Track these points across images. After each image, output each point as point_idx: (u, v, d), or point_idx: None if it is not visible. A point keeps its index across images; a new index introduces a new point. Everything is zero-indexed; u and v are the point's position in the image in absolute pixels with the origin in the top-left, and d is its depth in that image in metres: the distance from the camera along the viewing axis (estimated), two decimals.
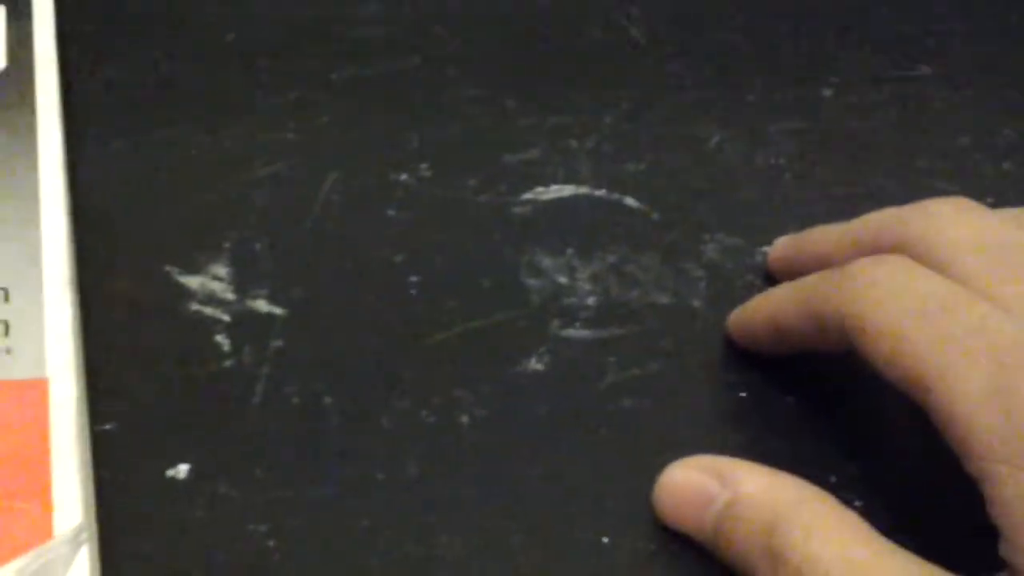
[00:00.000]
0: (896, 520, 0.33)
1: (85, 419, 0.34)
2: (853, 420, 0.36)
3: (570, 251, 0.40)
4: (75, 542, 0.31)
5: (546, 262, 0.39)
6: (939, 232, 0.32)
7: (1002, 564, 0.28)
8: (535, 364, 0.37)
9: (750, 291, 0.38)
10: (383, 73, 0.45)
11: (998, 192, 0.41)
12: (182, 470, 0.34)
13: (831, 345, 0.33)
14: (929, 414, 0.29)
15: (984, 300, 0.30)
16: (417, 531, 0.33)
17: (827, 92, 0.45)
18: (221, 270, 0.38)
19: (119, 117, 0.43)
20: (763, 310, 0.36)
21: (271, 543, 0.33)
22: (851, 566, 0.29)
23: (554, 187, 0.42)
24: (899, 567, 0.29)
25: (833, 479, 0.34)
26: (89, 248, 0.39)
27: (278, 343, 0.37)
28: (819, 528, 0.30)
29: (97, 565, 0.31)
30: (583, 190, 0.41)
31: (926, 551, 0.30)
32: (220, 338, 0.37)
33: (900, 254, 0.32)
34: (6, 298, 0.35)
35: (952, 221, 0.33)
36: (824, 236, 0.37)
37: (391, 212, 0.41)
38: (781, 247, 0.39)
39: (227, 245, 0.39)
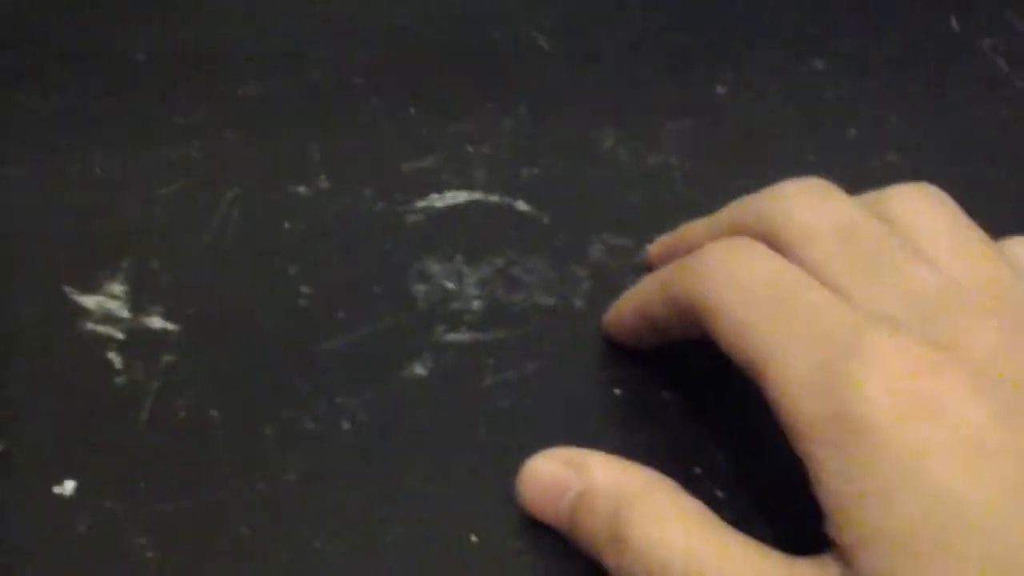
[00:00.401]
0: (756, 507, 0.33)
1: None
2: (720, 413, 0.37)
3: (459, 257, 0.41)
4: None
5: (435, 268, 0.40)
6: (787, 215, 0.33)
7: (828, 542, 0.29)
8: (418, 369, 0.38)
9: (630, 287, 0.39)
10: (288, 88, 0.46)
11: (883, 182, 0.41)
12: (68, 487, 0.35)
13: (691, 331, 0.34)
14: (764, 397, 0.30)
15: (819, 285, 0.31)
16: (294, 537, 0.34)
17: (721, 89, 0.46)
18: (118, 288, 0.39)
19: (19, 138, 0.43)
20: (632, 301, 0.37)
21: (150, 555, 0.34)
22: (689, 551, 0.30)
23: (449, 194, 0.42)
24: (738, 554, 0.30)
25: (698, 470, 0.35)
26: None
27: (170, 358, 0.38)
28: (662, 515, 0.31)
29: None
30: (476, 196, 0.42)
31: (784, 537, 0.30)
32: (112, 355, 0.38)
33: (751, 237, 0.33)
34: None
35: (801, 204, 0.33)
36: (694, 229, 0.38)
37: (287, 224, 0.41)
38: (659, 244, 0.39)
39: (125, 264, 0.40)
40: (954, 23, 0.48)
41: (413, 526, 0.34)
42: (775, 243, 0.33)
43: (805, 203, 0.33)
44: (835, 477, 0.28)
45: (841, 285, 0.31)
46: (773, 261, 0.32)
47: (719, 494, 0.34)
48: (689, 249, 0.36)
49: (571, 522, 0.33)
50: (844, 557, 0.28)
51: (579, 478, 0.33)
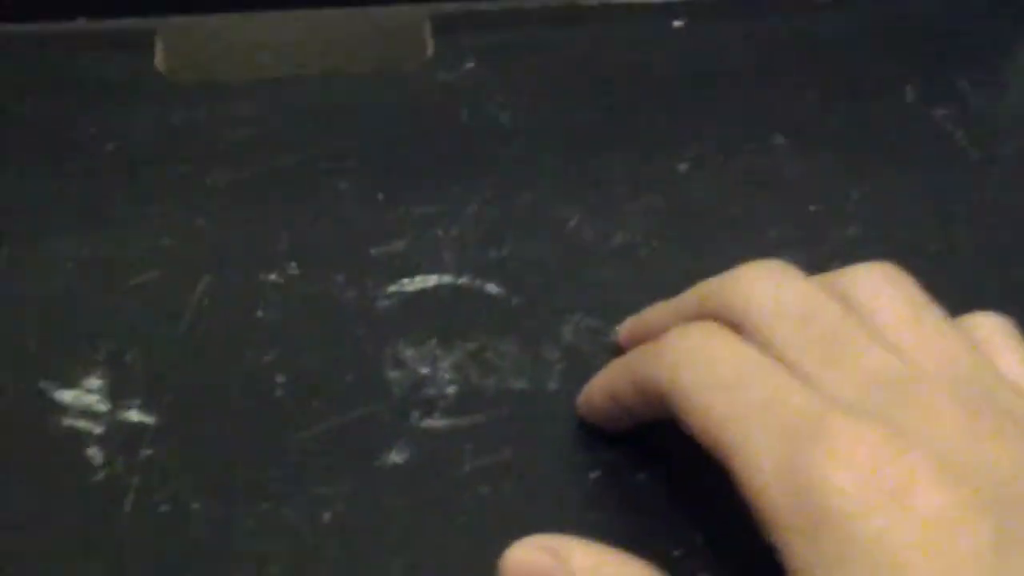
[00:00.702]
0: None
1: None
2: (699, 494, 0.37)
3: (433, 341, 0.41)
4: None
5: (409, 353, 0.41)
6: (746, 299, 0.34)
7: None
8: (395, 457, 0.38)
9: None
10: (257, 173, 0.47)
11: (845, 256, 0.42)
12: None
13: (660, 414, 0.34)
14: (734, 485, 0.31)
15: (780, 370, 0.32)
16: None
17: (683, 167, 0.47)
18: (95, 382, 0.40)
19: None
20: (601, 385, 0.38)
21: None
22: None
23: (419, 278, 0.43)
24: None
25: (677, 552, 0.36)
26: None
27: (148, 452, 0.38)
28: None
29: None
30: (446, 279, 0.43)
31: None
32: (92, 451, 0.38)
33: (714, 321, 0.34)
34: None
35: (760, 288, 0.34)
36: (658, 312, 0.39)
37: (260, 313, 0.42)
38: (628, 325, 0.40)
39: (100, 357, 0.40)
40: (908, 93, 0.49)
41: None
42: (737, 327, 0.34)
43: (764, 288, 0.34)
44: (804, 566, 0.29)
45: (802, 369, 0.32)
46: (735, 345, 0.33)
47: (702, 575, 0.35)
48: (654, 332, 0.37)
49: None
50: None
51: (560, 566, 0.33)
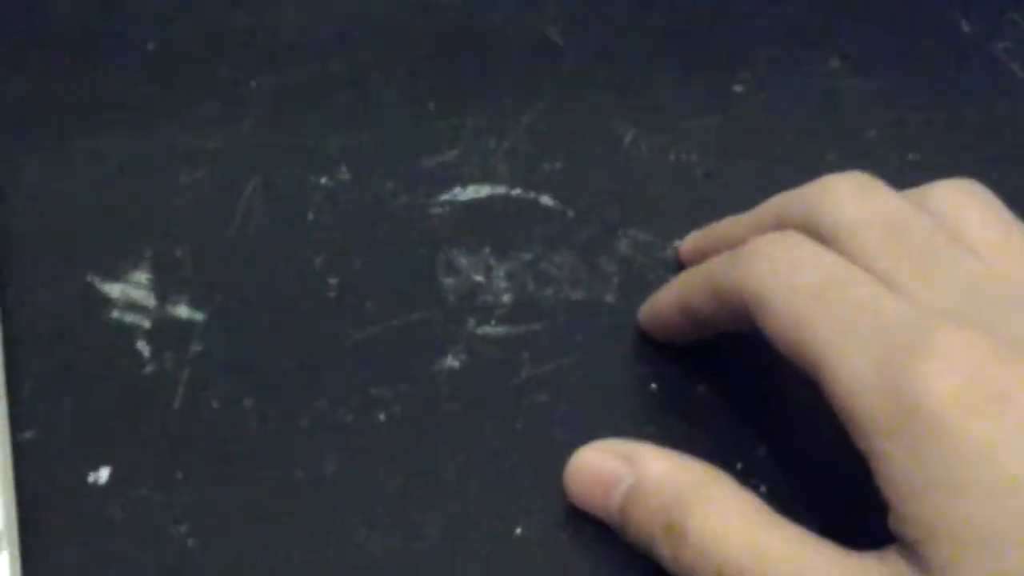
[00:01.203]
0: (799, 502, 0.33)
1: (6, 426, 0.34)
2: (760, 408, 0.37)
3: (487, 250, 0.40)
4: None
5: (463, 261, 0.40)
6: (835, 209, 0.33)
7: (891, 538, 0.29)
8: (451, 361, 0.38)
9: (661, 285, 0.39)
10: (303, 80, 0.46)
11: (904, 182, 0.41)
12: (103, 474, 0.35)
13: (736, 325, 0.34)
14: (821, 392, 0.30)
15: (875, 279, 0.31)
16: (336, 527, 0.34)
17: (738, 88, 0.46)
18: (142, 277, 0.39)
19: (41, 126, 0.43)
20: (672, 296, 0.37)
21: (191, 543, 0.33)
22: (745, 540, 0.30)
23: (471, 187, 0.42)
24: (794, 542, 0.30)
25: (740, 465, 0.35)
26: (10, 258, 0.39)
27: (198, 348, 0.38)
28: (719, 506, 0.31)
29: (18, 570, 0.32)
30: (500, 190, 0.42)
31: (828, 531, 0.30)
32: (141, 344, 0.37)
33: (797, 231, 0.33)
34: None
35: (848, 197, 0.33)
36: (732, 224, 0.38)
37: (311, 216, 0.41)
38: (691, 240, 0.40)
39: (148, 253, 0.40)
40: (964, 25, 0.48)
41: (456, 519, 0.34)
42: (822, 238, 0.33)
43: (852, 197, 0.33)
44: (901, 472, 0.28)
45: (893, 279, 0.31)
46: (825, 255, 0.32)
47: (762, 489, 0.35)
48: (728, 244, 0.36)
49: (622, 514, 0.33)
50: (908, 552, 0.28)
51: (631, 470, 0.33)
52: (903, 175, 0.41)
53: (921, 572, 0.28)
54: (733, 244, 0.35)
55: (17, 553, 0.32)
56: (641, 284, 0.39)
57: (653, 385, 0.37)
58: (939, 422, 0.27)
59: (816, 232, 0.33)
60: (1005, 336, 0.29)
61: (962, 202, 0.33)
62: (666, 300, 0.37)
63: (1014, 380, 0.28)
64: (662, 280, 0.40)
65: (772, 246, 0.33)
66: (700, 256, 0.38)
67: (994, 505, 0.27)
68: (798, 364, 0.31)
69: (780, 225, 0.34)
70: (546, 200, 0.42)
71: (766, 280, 0.32)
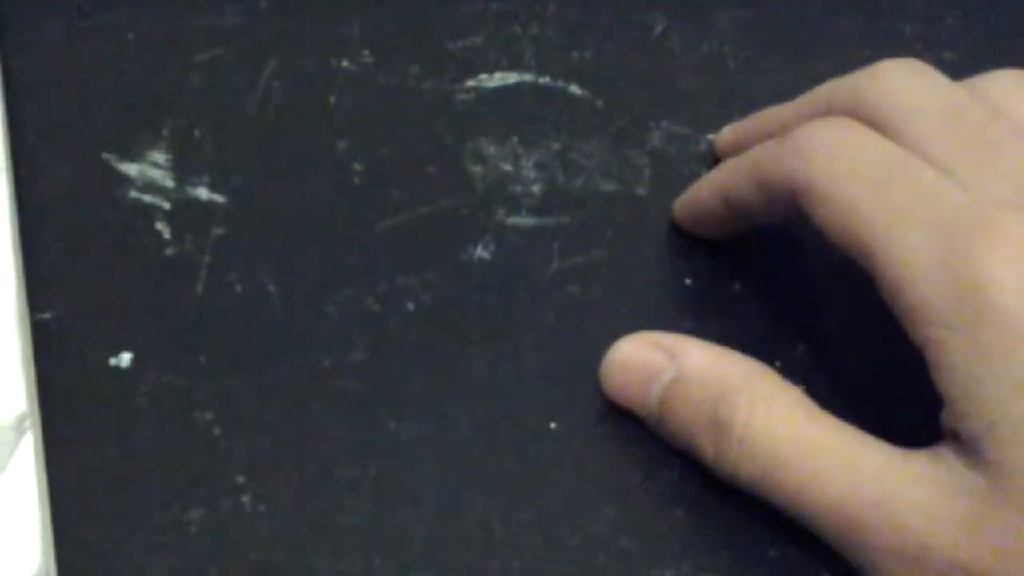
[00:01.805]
0: (838, 402, 0.33)
1: (25, 307, 0.33)
2: (797, 305, 0.36)
3: (514, 138, 0.39)
4: (19, 429, 0.30)
5: (490, 150, 0.39)
6: (891, 96, 0.32)
7: (944, 433, 0.28)
8: (481, 252, 0.37)
9: (694, 179, 0.38)
10: None
11: None
12: (125, 358, 0.34)
13: (780, 214, 0.33)
14: (875, 281, 0.29)
15: (933, 167, 0.30)
16: (365, 416, 0.33)
17: None
18: (160, 157, 0.38)
19: (54, 4, 0.41)
20: (713, 185, 0.35)
21: (217, 431, 0.33)
22: (792, 434, 0.29)
23: (498, 74, 0.41)
24: (838, 436, 0.29)
25: (778, 363, 0.34)
26: (24, 134, 0.38)
27: (220, 231, 0.36)
28: (763, 400, 0.30)
29: (41, 451, 0.31)
30: (527, 77, 0.41)
31: (869, 430, 0.30)
32: (160, 225, 0.36)
33: (849, 118, 0.32)
34: None
35: (904, 85, 0.32)
36: (775, 113, 0.36)
37: (333, 99, 0.40)
38: (730, 130, 0.38)
39: (166, 132, 0.39)
40: None
41: (487, 411, 0.34)
42: (877, 125, 0.32)
43: (908, 83, 0.32)
44: (962, 362, 0.27)
45: (950, 167, 0.30)
46: (881, 141, 0.31)
47: (801, 386, 0.34)
48: (773, 132, 0.35)
49: (662, 408, 0.32)
50: (963, 447, 0.28)
51: (673, 362, 0.32)
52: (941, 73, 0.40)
53: (975, 468, 0.27)
54: (778, 132, 0.34)
55: (40, 434, 0.31)
56: (674, 177, 0.39)
57: (688, 280, 0.37)
58: (1003, 312, 0.27)
59: (869, 119, 0.32)
60: None
61: (1016, 91, 0.32)
62: (706, 190, 0.36)
63: None
64: (695, 174, 0.39)
65: (825, 131, 0.31)
66: (739, 148, 0.37)
67: None
68: (851, 252, 0.30)
69: (829, 113, 0.33)
70: (574, 89, 0.41)
71: (820, 166, 0.31)
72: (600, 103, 0.40)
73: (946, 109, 0.31)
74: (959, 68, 0.40)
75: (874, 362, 0.34)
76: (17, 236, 0.35)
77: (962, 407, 0.28)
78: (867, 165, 0.30)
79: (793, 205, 0.31)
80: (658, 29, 0.43)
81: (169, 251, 0.36)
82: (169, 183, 0.37)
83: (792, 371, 0.34)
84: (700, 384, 0.31)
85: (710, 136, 0.39)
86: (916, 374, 0.29)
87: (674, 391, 0.32)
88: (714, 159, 0.39)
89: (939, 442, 0.29)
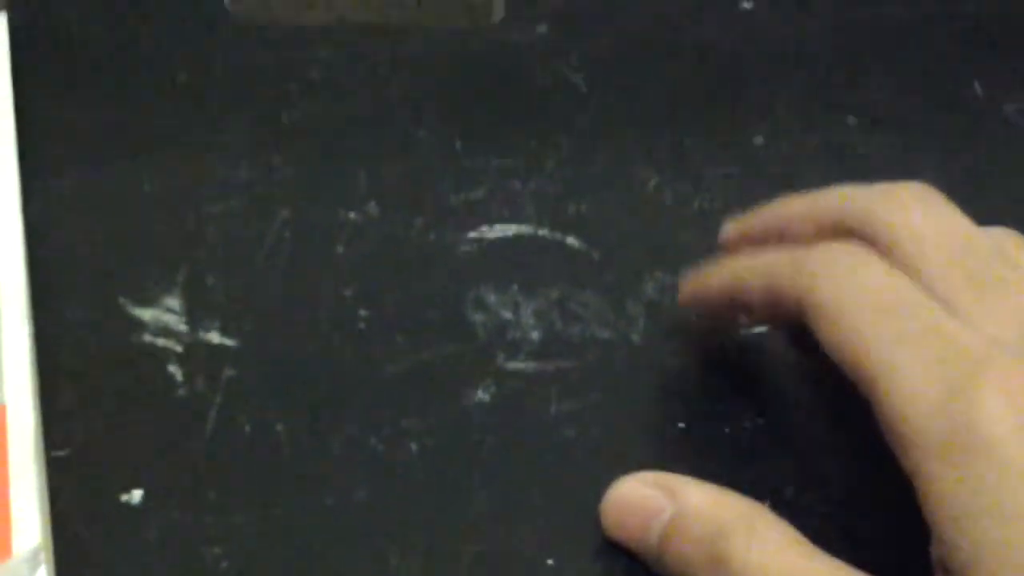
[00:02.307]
0: (828, 542, 0.34)
1: (41, 445, 0.35)
2: (786, 447, 0.37)
3: (514, 287, 0.41)
4: (33, 561, 0.31)
5: (491, 298, 0.41)
6: (904, 224, 0.33)
7: (934, 566, 0.29)
8: (482, 395, 0.38)
9: (687, 326, 0.39)
10: (333, 115, 0.46)
11: None
12: (136, 495, 0.35)
13: (784, 321, 0.35)
14: (873, 408, 0.30)
15: (936, 302, 0.31)
16: (369, 554, 0.34)
17: (759, 139, 0.47)
18: (174, 302, 0.39)
19: (72, 153, 0.43)
20: (720, 278, 0.36)
21: (225, 565, 0.34)
22: (788, 570, 0.30)
23: (498, 226, 0.43)
24: (833, 572, 0.30)
25: (768, 503, 0.35)
26: (43, 280, 0.39)
27: (231, 372, 0.38)
28: (761, 537, 0.31)
29: None
30: (526, 229, 0.43)
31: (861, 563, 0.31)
32: (173, 368, 0.38)
33: (864, 243, 0.33)
34: None
35: (918, 213, 0.33)
36: (787, 208, 0.37)
37: (340, 249, 0.42)
38: (739, 224, 0.39)
39: (180, 278, 0.40)
40: (978, 88, 0.50)
41: (488, 547, 0.35)
42: (881, 244, 0.33)
43: (923, 212, 0.34)
44: (950, 494, 0.28)
45: (955, 303, 0.31)
46: (889, 271, 0.32)
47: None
48: (779, 228, 0.36)
49: (661, 545, 0.33)
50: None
51: (672, 501, 0.33)
52: None
53: None
54: (787, 230, 0.36)
55: (53, 568, 0.32)
56: (667, 325, 0.40)
57: (681, 424, 0.38)
58: (994, 446, 0.28)
59: (878, 241, 0.33)
60: None
61: (1015, 237, 0.34)
62: (714, 281, 0.37)
63: None
64: (688, 322, 0.40)
65: (839, 254, 0.33)
66: (747, 239, 0.38)
67: None
68: (851, 375, 0.31)
69: (839, 221, 0.34)
70: (572, 241, 0.43)
71: (830, 288, 0.32)
72: (596, 255, 0.42)
73: (955, 239, 0.33)
74: None
75: (862, 501, 0.36)
76: (36, 376, 0.36)
77: (948, 538, 0.28)
78: (875, 293, 0.31)
79: (799, 319, 0.33)
80: (651, 184, 0.45)
81: (181, 392, 0.37)
82: (182, 327, 0.39)
83: (781, 510, 0.35)
84: (699, 521, 0.32)
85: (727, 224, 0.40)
86: (906, 512, 0.31)
87: (674, 528, 0.33)
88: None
89: None
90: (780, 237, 0.36)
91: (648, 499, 0.34)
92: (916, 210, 0.34)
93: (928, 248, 0.32)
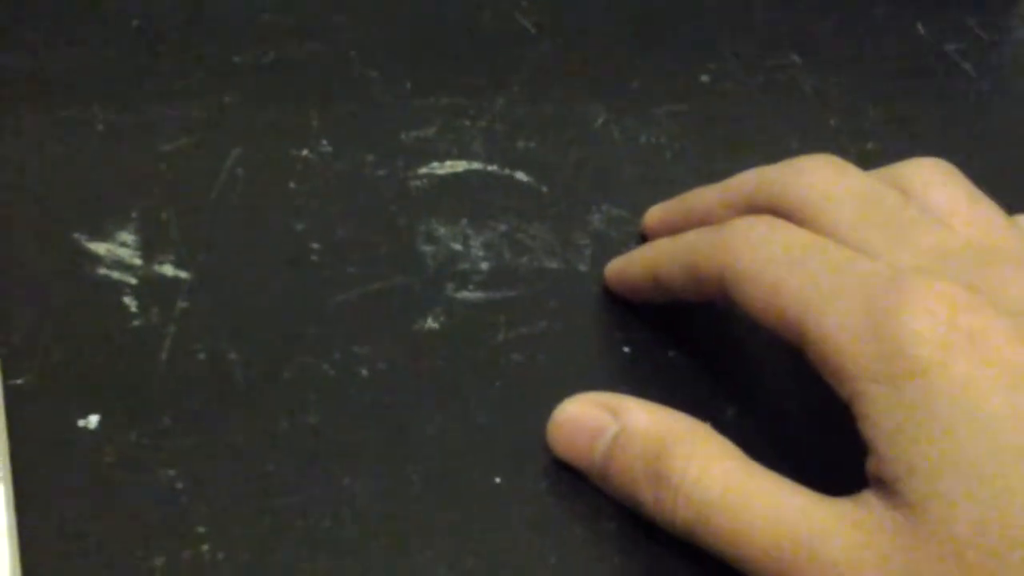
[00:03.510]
0: (768, 458, 0.35)
1: None
2: (728, 370, 0.38)
3: (464, 221, 0.42)
4: None
5: (441, 230, 0.41)
6: (809, 189, 0.35)
7: (868, 481, 0.30)
8: (431, 323, 0.39)
9: None
10: (284, 57, 0.47)
11: (867, 168, 0.43)
12: (93, 420, 0.35)
13: (707, 297, 0.35)
14: (804, 351, 0.32)
15: (846, 246, 0.32)
16: (320, 475, 0.35)
17: (705, 78, 0.48)
18: (128, 237, 0.40)
19: (28, 95, 0.44)
20: (643, 263, 0.38)
21: (179, 486, 0.34)
22: (725, 483, 0.31)
23: (448, 162, 0.44)
24: (772, 485, 0.31)
25: (709, 423, 0.37)
26: None
27: (184, 304, 0.38)
28: (700, 453, 0.32)
29: (12, 503, 0.33)
30: (476, 166, 0.44)
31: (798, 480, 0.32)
32: (128, 300, 0.38)
33: (771, 213, 0.35)
34: None
35: (819, 176, 0.35)
36: (701, 197, 0.39)
37: (292, 184, 0.42)
38: (658, 210, 0.41)
39: (134, 215, 0.41)
40: (920, 28, 0.51)
41: (437, 467, 0.36)
42: (794, 215, 0.35)
43: (823, 176, 0.35)
44: (885, 411, 0.30)
45: (867, 247, 0.33)
46: (798, 230, 0.34)
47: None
48: (698, 215, 0.38)
49: (606, 462, 0.34)
50: (885, 491, 0.30)
51: (616, 420, 0.34)
52: (863, 163, 0.43)
53: (896, 509, 0.29)
54: (704, 217, 0.37)
55: (11, 487, 0.33)
56: (613, 255, 0.41)
57: (626, 348, 0.39)
58: (920, 362, 0.29)
59: (787, 210, 0.35)
60: (978, 287, 0.30)
61: (928, 178, 0.35)
62: (637, 265, 0.39)
63: (987, 323, 0.29)
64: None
65: (750, 227, 0.34)
66: (667, 227, 0.40)
67: (971, 441, 0.28)
68: (778, 330, 0.33)
69: (751, 201, 0.36)
70: (521, 176, 0.43)
71: (743, 254, 0.33)
72: (544, 189, 0.43)
73: (860, 197, 0.34)
74: (882, 157, 0.43)
75: (799, 422, 0.37)
76: None
77: (884, 453, 0.30)
78: (786, 248, 0.33)
79: (720, 291, 0.34)
80: (599, 121, 0.45)
81: (135, 323, 0.38)
82: (136, 261, 0.39)
83: (722, 430, 0.36)
84: (642, 439, 0.33)
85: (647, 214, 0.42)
86: (839, 433, 0.32)
87: (617, 445, 0.34)
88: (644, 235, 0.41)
89: (862, 490, 0.31)
90: (699, 223, 0.37)
91: (593, 418, 0.35)
92: (821, 176, 0.35)
93: (836, 206, 0.34)
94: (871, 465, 0.30)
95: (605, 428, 0.34)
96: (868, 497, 0.30)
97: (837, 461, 0.32)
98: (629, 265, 0.39)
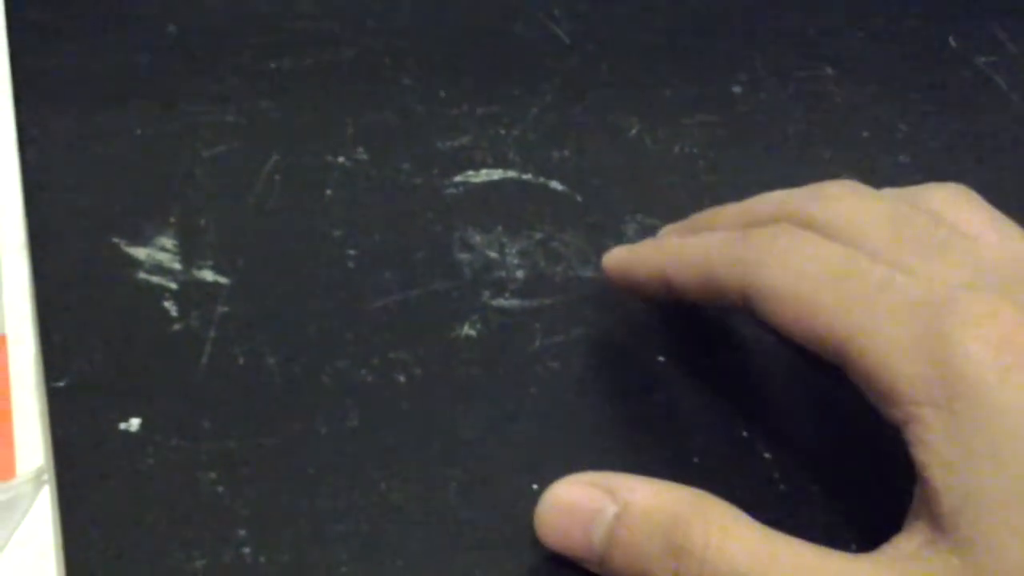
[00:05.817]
0: (803, 470, 0.35)
1: (42, 373, 0.36)
2: (764, 380, 0.39)
3: (499, 228, 0.42)
4: (37, 481, 0.32)
5: (477, 238, 0.42)
6: (836, 211, 0.34)
7: (915, 514, 0.30)
8: (468, 330, 0.39)
9: None
10: (320, 64, 0.48)
11: (894, 181, 0.43)
12: (134, 423, 0.36)
13: (723, 305, 0.34)
14: (848, 372, 0.31)
15: (883, 262, 0.32)
16: (360, 478, 0.35)
17: (737, 89, 0.48)
18: (168, 242, 0.40)
19: (67, 100, 0.44)
20: (652, 263, 0.37)
21: (220, 489, 0.35)
22: (755, 551, 0.30)
23: (484, 171, 0.44)
24: (800, 549, 0.30)
25: (745, 433, 0.37)
26: (40, 220, 0.40)
27: (224, 309, 0.39)
28: (716, 522, 0.31)
29: (57, 503, 0.33)
30: (511, 174, 0.44)
31: (832, 507, 0.33)
32: (168, 304, 0.39)
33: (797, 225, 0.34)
34: None
35: (846, 200, 0.34)
36: (718, 216, 0.38)
37: (329, 191, 0.43)
38: (670, 230, 0.40)
39: (173, 220, 0.41)
40: (952, 41, 0.51)
41: (474, 473, 0.36)
42: (818, 229, 0.34)
43: (851, 199, 0.34)
44: (942, 437, 0.29)
45: (900, 264, 0.32)
46: (829, 243, 0.32)
47: (766, 456, 0.36)
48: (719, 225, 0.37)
49: (607, 545, 0.32)
50: (937, 523, 0.29)
51: (614, 499, 0.32)
52: (894, 175, 0.44)
53: (944, 549, 0.28)
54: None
55: (55, 488, 0.33)
56: None
57: (661, 358, 0.39)
58: (976, 386, 0.28)
59: (812, 224, 0.34)
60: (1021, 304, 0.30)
61: (954, 202, 0.35)
62: (645, 265, 0.37)
63: None
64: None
65: (774, 236, 0.33)
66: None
67: None
68: (814, 347, 0.32)
69: (775, 221, 0.35)
70: (555, 185, 0.44)
71: (777, 274, 0.32)
72: (579, 198, 0.43)
73: (889, 218, 0.33)
74: (912, 171, 0.44)
75: (839, 436, 0.37)
76: (35, 310, 0.37)
77: (941, 481, 0.29)
78: (821, 263, 0.32)
79: (741, 303, 0.33)
80: (632, 131, 0.46)
81: (176, 327, 0.38)
82: (176, 266, 0.40)
83: (759, 440, 0.37)
84: (648, 514, 0.31)
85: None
86: (882, 452, 0.32)
87: (622, 525, 0.32)
88: None
89: (899, 533, 0.30)
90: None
91: (587, 500, 0.32)
92: (843, 198, 0.34)
93: (865, 227, 0.33)
94: (922, 493, 0.30)
95: (603, 510, 0.32)
96: (907, 543, 0.29)
97: (879, 483, 0.32)
98: (635, 262, 0.37)
